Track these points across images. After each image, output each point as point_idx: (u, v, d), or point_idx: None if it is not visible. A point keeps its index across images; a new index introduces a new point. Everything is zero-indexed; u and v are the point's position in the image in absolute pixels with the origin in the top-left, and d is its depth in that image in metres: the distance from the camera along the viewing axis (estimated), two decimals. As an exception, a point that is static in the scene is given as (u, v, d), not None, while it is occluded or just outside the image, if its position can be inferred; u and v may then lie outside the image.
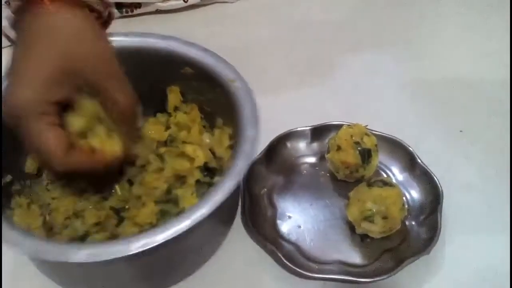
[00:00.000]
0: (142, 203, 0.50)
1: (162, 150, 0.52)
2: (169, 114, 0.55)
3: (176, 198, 0.50)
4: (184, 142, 0.52)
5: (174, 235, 0.39)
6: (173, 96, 0.54)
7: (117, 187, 0.51)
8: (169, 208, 0.49)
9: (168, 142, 0.53)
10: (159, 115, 0.55)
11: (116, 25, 0.49)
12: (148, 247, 0.38)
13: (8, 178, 0.48)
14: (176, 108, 0.54)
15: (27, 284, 0.50)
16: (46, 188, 0.51)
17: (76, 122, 0.42)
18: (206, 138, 0.53)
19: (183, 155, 0.51)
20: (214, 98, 0.50)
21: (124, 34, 0.51)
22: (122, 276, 0.46)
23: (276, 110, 0.59)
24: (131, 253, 0.38)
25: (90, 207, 0.49)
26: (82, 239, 0.48)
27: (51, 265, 0.46)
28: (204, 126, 0.54)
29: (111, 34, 0.45)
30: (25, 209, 0.48)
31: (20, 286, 0.50)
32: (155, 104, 0.54)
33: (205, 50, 0.50)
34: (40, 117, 0.38)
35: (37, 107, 0.38)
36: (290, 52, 0.70)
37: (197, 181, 0.51)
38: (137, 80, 0.49)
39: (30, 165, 0.50)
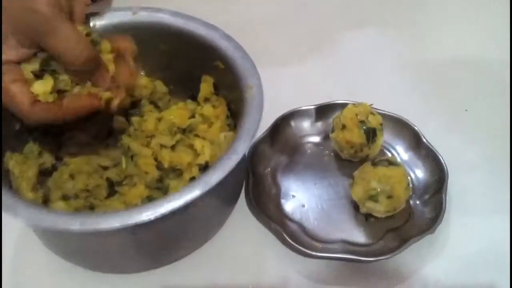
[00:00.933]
0: (134, 183, 0.50)
1: (176, 137, 0.52)
2: (198, 103, 0.54)
3: (167, 189, 0.50)
4: (196, 136, 0.52)
5: (175, 207, 0.39)
6: (206, 86, 0.53)
7: (123, 159, 0.51)
8: (157, 195, 0.49)
9: (186, 131, 0.53)
10: (189, 101, 0.55)
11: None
12: (141, 220, 0.38)
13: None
14: (206, 99, 0.54)
15: (30, 256, 0.50)
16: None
17: (29, 68, 0.42)
18: (224, 137, 0.52)
19: (191, 147, 0.51)
20: (240, 97, 0.49)
21: (171, 13, 0.51)
22: (126, 250, 0.46)
23: (280, 89, 0.59)
24: (130, 223, 0.38)
25: (85, 170, 0.50)
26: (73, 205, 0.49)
27: (56, 239, 0.47)
28: (228, 125, 0.53)
29: (159, 10, 0.50)
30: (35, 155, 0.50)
31: (24, 258, 0.50)
32: (191, 89, 0.54)
33: (238, 47, 0.49)
34: (4, 76, 0.41)
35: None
36: (294, 29, 0.70)
37: (192, 178, 0.49)
38: (177, 61, 0.51)
39: None
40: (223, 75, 0.50)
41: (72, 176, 0.50)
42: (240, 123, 0.44)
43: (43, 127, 0.47)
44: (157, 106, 0.56)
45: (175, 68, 0.54)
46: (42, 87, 0.42)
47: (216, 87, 0.53)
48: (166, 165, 0.50)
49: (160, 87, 0.55)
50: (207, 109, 0.52)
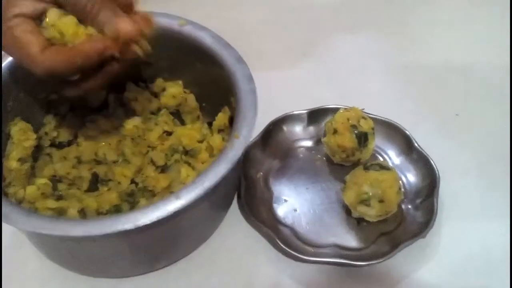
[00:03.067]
0: (108, 188, 0.50)
1: (174, 157, 0.52)
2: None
3: (135, 204, 0.50)
4: (187, 163, 0.52)
5: (166, 214, 0.39)
6: (222, 117, 0.52)
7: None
8: (124, 208, 0.49)
9: (188, 154, 0.53)
10: (205, 126, 0.55)
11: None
12: (131, 226, 0.38)
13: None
14: (220, 130, 0.53)
15: (22, 261, 0.50)
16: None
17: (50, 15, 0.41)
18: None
19: (179, 172, 0.51)
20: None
21: (213, 35, 0.51)
22: (119, 255, 0.46)
23: (272, 93, 0.58)
24: (120, 229, 0.38)
25: (70, 157, 0.52)
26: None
27: (50, 245, 0.47)
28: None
29: (203, 28, 0.51)
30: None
31: (15, 263, 0.50)
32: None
33: (254, 90, 0.48)
34: (16, 27, 0.40)
35: (9, 20, 0.40)
36: (286, 35, 0.70)
37: None
38: (209, 82, 0.52)
39: None
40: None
41: (64, 158, 0.52)
42: (233, 132, 0.44)
43: (56, 80, 0.45)
44: (181, 119, 0.56)
45: (207, 88, 0.54)
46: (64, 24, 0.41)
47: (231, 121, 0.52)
48: (140, 183, 0.51)
49: (191, 101, 0.56)
50: (216, 139, 0.51)
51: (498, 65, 0.65)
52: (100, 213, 0.48)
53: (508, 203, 0.53)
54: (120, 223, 0.38)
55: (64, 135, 0.55)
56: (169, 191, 0.50)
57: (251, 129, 0.44)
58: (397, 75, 0.65)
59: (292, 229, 0.51)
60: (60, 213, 0.48)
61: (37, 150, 0.53)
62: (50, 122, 0.54)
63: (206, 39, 0.51)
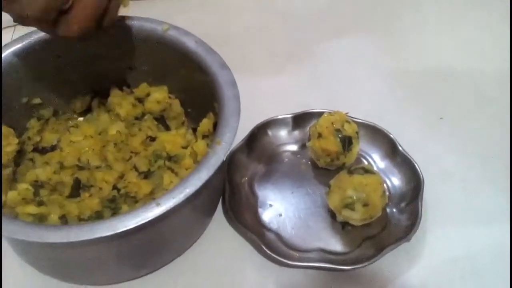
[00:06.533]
0: (90, 194, 0.50)
1: (158, 163, 0.52)
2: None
3: (117, 210, 0.49)
4: (170, 169, 0.52)
5: (145, 221, 0.38)
6: (207, 122, 0.51)
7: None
8: (106, 214, 0.49)
9: (172, 160, 0.52)
10: (190, 131, 0.54)
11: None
12: (110, 233, 0.38)
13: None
14: (204, 136, 0.52)
15: (6, 269, 0.49)
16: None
17: None
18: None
19: (161, 179, 0.51)
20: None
21: (197, 40, 0.51)
22: (102, 261, 0.45)
23: (257, 98, 0.59)
24: (98, 236, 0.38)
25: (52, 162, 0.51)
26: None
27: (30, 251, 0.46)
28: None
29: (187, 33, 0.50)
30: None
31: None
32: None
33: (237, 96, 0.47)
34: None
35: None
36: (271, 39, 0.70)
37: None
38: (193, 88, 0.52)
39: None
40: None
41: (46, 163, 0.51)
42: (215, 138, 0.44)
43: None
44: (166, 125, 0.56)
45: (192, 94, 0.54)
46: None
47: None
48: (121, 189, 0.50)
49: (176, 106, 0.55)
50: (200, 145, 0.51)
51: (483, 69, 0.66)
52: (81, 219, 0.48)
53: (493, 207, 0.53)
54: (99, 230, 0.38)
55: (47, 140, 0.54)
56: (151, 198, 0.49)
57: (233, 134, 0.44)
58: (382, 79, 0.65)
59: (277, 234, 0.50)
60: (41, 219, 0.47)
61: (20, 155, 0.52)
62: (33, 126, 0.54)
63: (190, 44, 0.50)
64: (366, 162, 0.55)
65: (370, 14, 0.73)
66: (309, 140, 0.54)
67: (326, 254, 0.49)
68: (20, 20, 0.41)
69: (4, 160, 0.49)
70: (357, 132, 0.53)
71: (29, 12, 0.40)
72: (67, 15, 0.41)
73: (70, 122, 0.56)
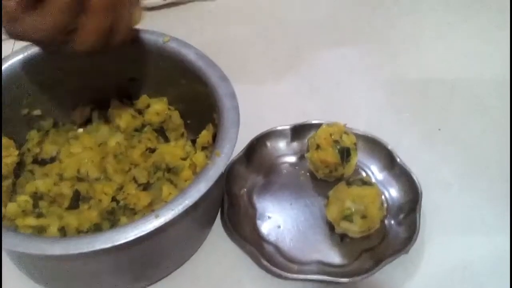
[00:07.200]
0: (89, 206, 0.50)
1: (156, 175, 0.52)
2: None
3: (116, 222, 0.49)
4: (169, 180, 0.52)
5: (144, 233, 0.39)
6: (206, 134, 0.51)
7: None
8: (105, 226, 0.49)
9: (171, 171, 0.53)
10: (189, 143, 0.54)
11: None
12: (109, 245, 0.38)
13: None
14: (203, 147, 0.52)
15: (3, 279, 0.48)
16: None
17: None
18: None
19: (160, 190, 0.51)
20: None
21: (196, 51, 0.51)
22: (99, 273, 0.45)
23: (255, 108, 0.58)
24: (97, 248, 0.38)
25: (52, 173, 0.51)
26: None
27: (29, 263, 0.46)
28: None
29: (187, 45, 0.51)
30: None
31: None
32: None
33: (236, 107, 0.48)
34: None
35: None
36: (269, 50, 0.70)
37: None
38: (193, 99, 0.53)
39: None
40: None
41: (46, 175, 0.51)
42: (214, 149, 0.44)
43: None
44: (165, 136, 0.56)
45: (191, 105, 0.54)
46: None
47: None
48: (120, 201, 0.50)
49: (176, 118, 0.55)
50: (200, 157, 0.51)
51: (481, 79, 0.66)
52: (80, 231, 0.48)
53: (491, 217, 0.53)
54: (98, 242, 0.38)
55: (47, 151, 0.54)
56: (150, 209, 0.49)
57: (232, 146, 0.44)
58: (380, 90, 0.65)
59: (276, 246, 0.50)
60: (40, 231, 0.47)
61: (19, 167, 0.52)
62: (33, 138, 0.54)
63: (191, 56, 0.51)
64: (364, 174, 0.55)
65: (369, 24, 0.74)
66: (307, 151, 0.54)
67: (325, 267, 0.49)
68: (20, 39, 0.41)
69: (4, 172, 0.49)
70: (355, 144, 0.53)
71: (34, 35, 0.40)
72: (73, 35, 0.41)
73: (70, 133, 0.56)
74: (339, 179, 0.53)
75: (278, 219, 0.53)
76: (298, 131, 0.57)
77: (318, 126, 0.55)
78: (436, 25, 0.74)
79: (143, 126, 0.56)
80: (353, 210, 0.48)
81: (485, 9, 0.75)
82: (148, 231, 0.39)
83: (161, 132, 0.56)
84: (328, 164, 0.52)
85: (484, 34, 0.72)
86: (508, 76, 0.66)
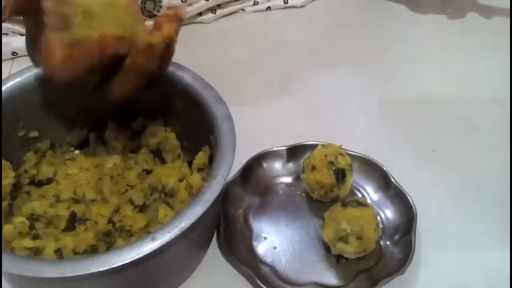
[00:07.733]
0: (85, 228, 0.50)
1: (153, 196, 0.52)
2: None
3: (112, 245, 0.49)
4: (165, 202, 0.52)
5: (140, 255, 0.39)
6: (202, 156, 0.51)
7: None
8: (101, 248, 0.49)
9: (167, 195, 0.53)
10: (185, 165, 0.54)
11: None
12: (106, 268, 0.38)
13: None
14: (200, 169, 0.52)
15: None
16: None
17: None
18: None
19: (157, 211, 0.51)
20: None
21: (193, 75, 0.52)
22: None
23: (251, 129, 0.59)
24: (93, 271, 0.38)
25: (48, 195, 0.52)
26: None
27: (27, 285, 0.46)
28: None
29: (183, 68, 0.51)
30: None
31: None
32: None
33: (232, 129, 0.48)
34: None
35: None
36: (265, 71, 0.71)
37: None
38: (189, 121, 0.53)
39: None
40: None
41: (43, 196, 0.51)
42: (211, 171, 0.45)
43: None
44: (162, 158, 0.56)
45: (188, 127, 0.54)
46: None
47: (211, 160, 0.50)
48: (117, 223, 0.50)
49: (172, 140, 0.56)
50: (196, 178, 0.51)
51: (474, 100, 0.67)
52: (76, 253, 0.48)
53: (485, 237, 0.54)
54: (94, 265, 0.38)
55: (43, 173, 0.55)
56: (146, 231, 0.49)
57: (229, 168, 0.44)
58: (374, 111, 0.66)
59: (271, 267, 0.50)
60: (36, 253, 0.47)
61: (16, 188, 0.52)
62: (30, 159, 0.54)
63: (187, 79, 0.52)
64: (360, 195, 0.56)
65: (363, 45, 0.75)
66: (303, 172, 0.55)
67: (321, 288, 0.49)
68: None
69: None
70: (350, 165, 0.54)
71: (58, 74, 0.40)
72: (110, 80, 0.42)
73: (66, 155, 0.56)
74: (334, 200, 0.53)
75: (274, 240, 0.53)
76: (294, 152, 0.58)
77: (313, 146, 0.55)
78: (429, 48, 0.75)
79: (140, 148, 0.56)
80: (348, 231, 0.48)
81: (477, 31, 0.76)
82: (144, 253, 0.39)
83: (158, 153, 0.57)
84: (323, 185, 0.53)
85: (476, 54, 0.73)
86: (500, 97, 0.67)
